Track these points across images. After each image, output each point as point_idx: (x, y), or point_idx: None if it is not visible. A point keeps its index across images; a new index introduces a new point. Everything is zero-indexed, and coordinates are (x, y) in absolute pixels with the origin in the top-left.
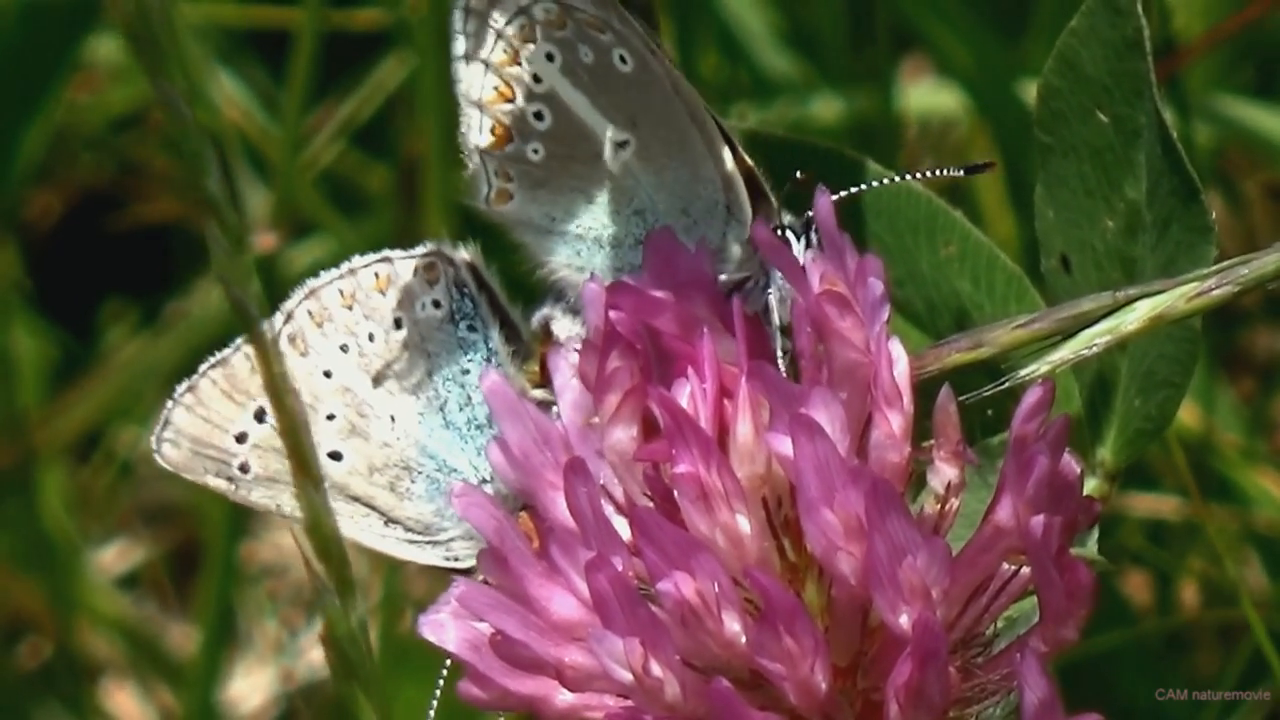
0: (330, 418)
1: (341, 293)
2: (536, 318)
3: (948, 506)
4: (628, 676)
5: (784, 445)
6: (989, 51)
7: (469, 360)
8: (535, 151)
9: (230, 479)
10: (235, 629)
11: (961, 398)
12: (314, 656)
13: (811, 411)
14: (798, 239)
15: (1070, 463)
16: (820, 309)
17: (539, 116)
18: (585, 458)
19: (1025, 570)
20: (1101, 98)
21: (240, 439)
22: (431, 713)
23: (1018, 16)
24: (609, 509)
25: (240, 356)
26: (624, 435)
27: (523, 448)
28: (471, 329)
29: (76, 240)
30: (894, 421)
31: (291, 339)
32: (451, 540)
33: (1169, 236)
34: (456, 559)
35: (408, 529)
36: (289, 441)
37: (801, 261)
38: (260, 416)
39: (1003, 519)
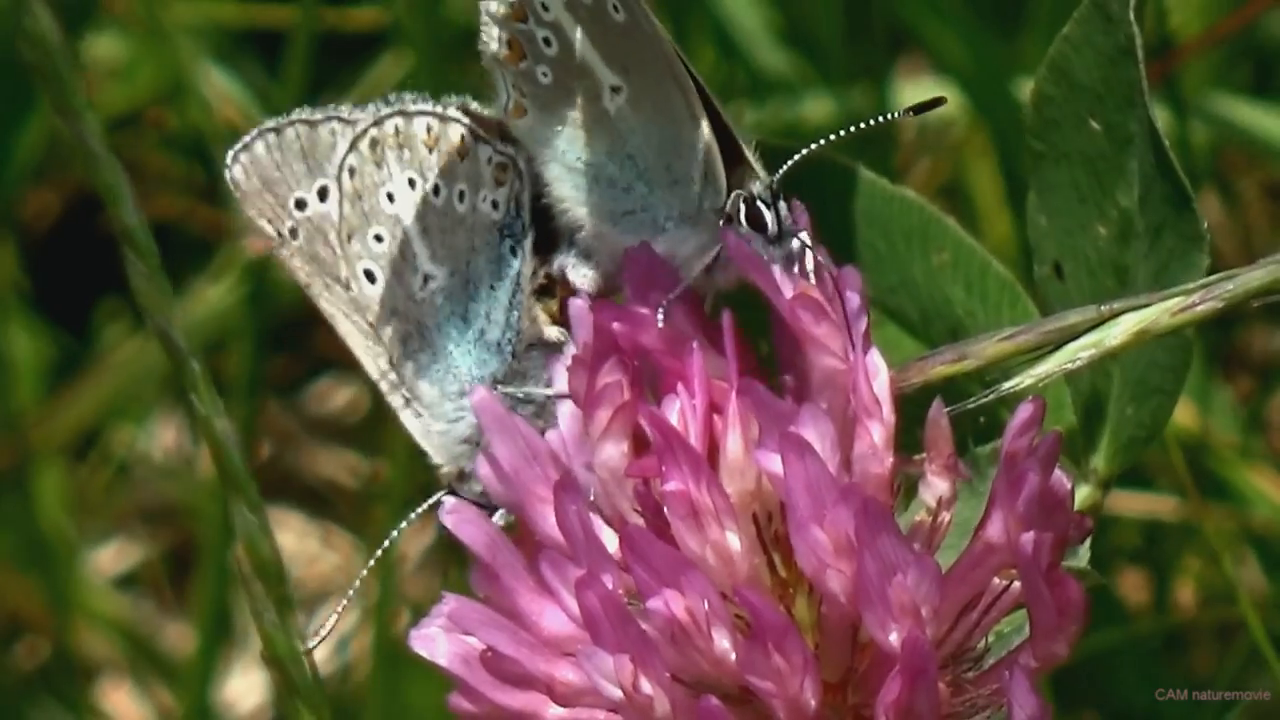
0: (378, 239)
1: (429, 130)
2: (555, 266)
3: (939, 520)
4: (617, 693)
5: (773, 463)
6: (985, 50)
7: (499, 279)
8: (544, 75)
9: (280, 234)
10: (232, 628)
11: (948, 409)
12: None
13: (801, 429)
14: (768, 208)
15: (1061, 479)
16: (794, 315)
17: (547, 42)
18: (581, 468)
19: (1016, 585)
20: (1094, 105)
21: (300, 205)
22: None
23: (1014, 14)
24: (599, 523)
25: (326, 130)
26: (614, 451)
27: (512, 463)
28: (513, 251)
29: (73, 240)
30: (875, 433)
31: (374, 143)
32: (430, 434)
33: (1161, 244)
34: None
35: (403, 384)
36: (219, 463)
37: (772, 225)
38: (323, 195)
39: (993, 535)
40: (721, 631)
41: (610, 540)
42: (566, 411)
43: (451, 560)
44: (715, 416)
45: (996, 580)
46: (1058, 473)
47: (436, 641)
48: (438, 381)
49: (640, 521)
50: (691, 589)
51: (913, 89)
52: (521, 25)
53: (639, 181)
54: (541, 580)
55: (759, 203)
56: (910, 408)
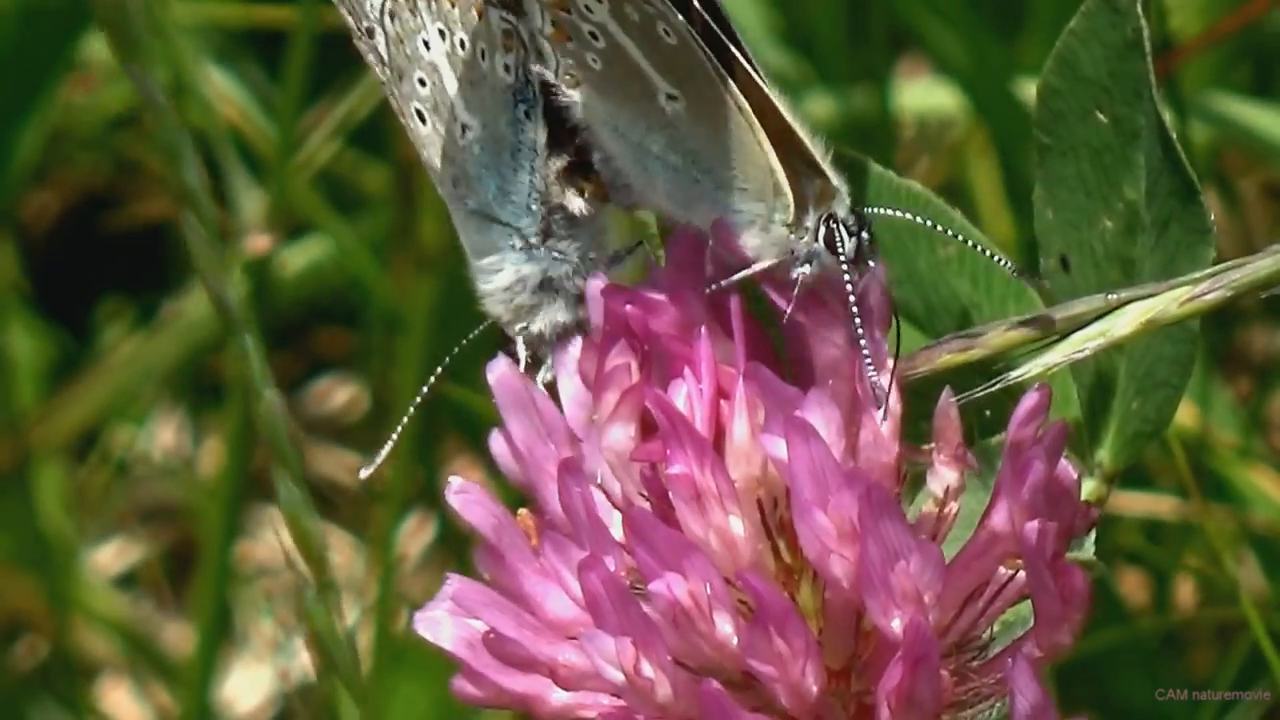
0: (421, 83)
1: None
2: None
3: (946, 509)
4: (619, 677)
5: (778, 448)
6: (986, 50)
7: (519, 143)
8: (594, 61)
9: (358, 29)
10: (231, 628)
11: (955, 399)
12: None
13: (806, 414)
14: (850, 236)
15: (1067, 468)
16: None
17: (594, 36)
18: (587, 451)
19: (1022, 575)
20: (1101, 98)
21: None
22: None
23: (1014, 15)
24: (606, 506)
25: None
26: (621, 434)
27: (526, 441)
28: (527, 115)
29: (73, 240)
30: (881, 423)
31: None
32: (476, 273)
33: (1168, 237)
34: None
35: (456, 218)
36: (269, 437)
37: (850, 252)
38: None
39: (998, 524)
40: (724, 616)
41: (615, 523)
42: (569, 397)
43: (452, 558)
44: (722, 402)
45: (1002, 569)
46: (1063, 462)
47: (441, 625)
48: (481, 229)
49: (646, 505)
50: (694, 573)
51: (912, 89)
52: (565, 14)
53: (706, 177)
54: (546, 563)
55: (843, 226)
56: (914, 401)
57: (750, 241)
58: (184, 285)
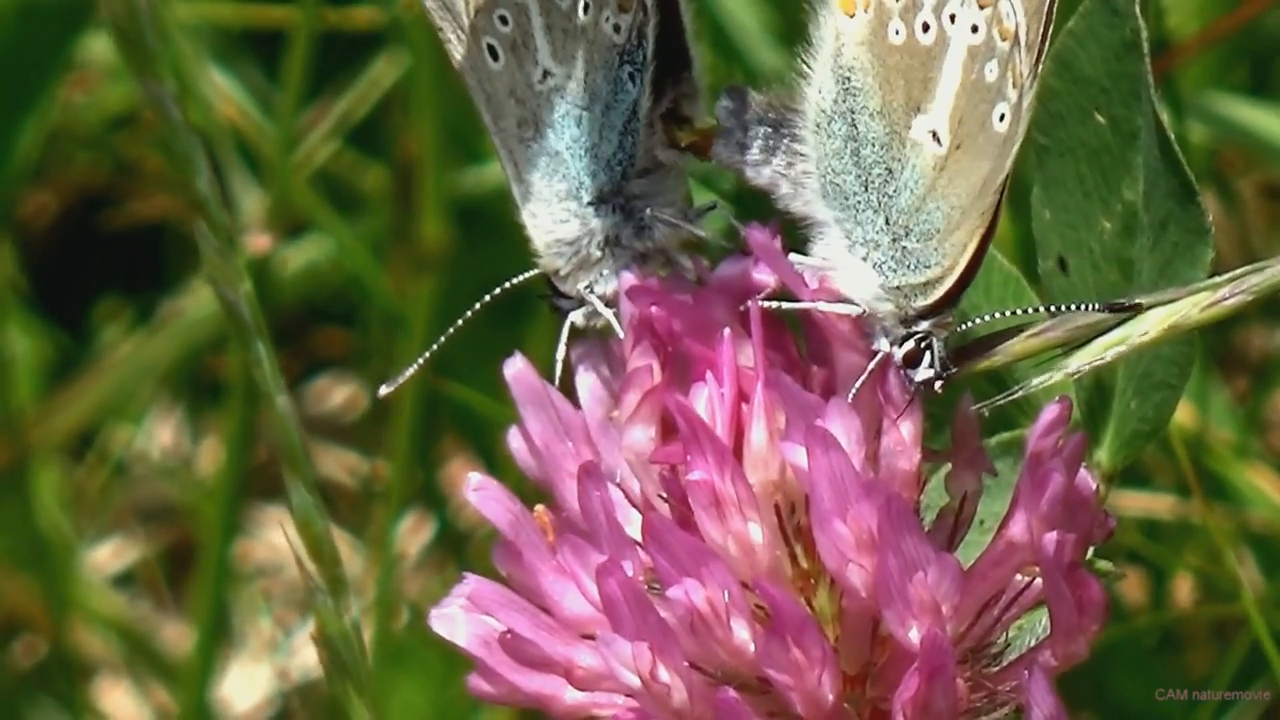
0: (503, 20)
1: None
2: (719, 107)
3: (963, 514)
4: (635, 681)
5: (798, 456)
6: None
7: (615, 102)
8: (897, 33)
9: None
10: (230, 628)
11: (978, 405)
12: (308, 655)
13: (827, 423)
14: (929, 368)
15: (1086, 478)
16: (820, 312)
17: (925, 28)
18: (605, 451)
19: (1038, 582)
20: (1099, 99)
21: None
22: None
23: None
24: (625, 504)
25: None
26: (642, 435)
27: (544, 438)
28: (631, 79)
29: (72, 239)
30: (904, 429)
31: None
32: (533, 219)
33: (1166, 238)
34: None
35: (513, 161)
36: (282, 443)
37: (920, 378)
38: None
39: (1016, 534)
40: (741, 622)
41: (634, 521)
42: (588, 396)
43: (450, 558)
44: (743, 405)
45: (1018, 577)
46: (1082, 472)
47: (456, 622)
48: (547, 175)
49: (664, 506)
50: (712, 579)
51: None
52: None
53: (880, 202)
54: (563, 564)
55: (935, 355)
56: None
57: (852, 284)
58: (182, 285)
